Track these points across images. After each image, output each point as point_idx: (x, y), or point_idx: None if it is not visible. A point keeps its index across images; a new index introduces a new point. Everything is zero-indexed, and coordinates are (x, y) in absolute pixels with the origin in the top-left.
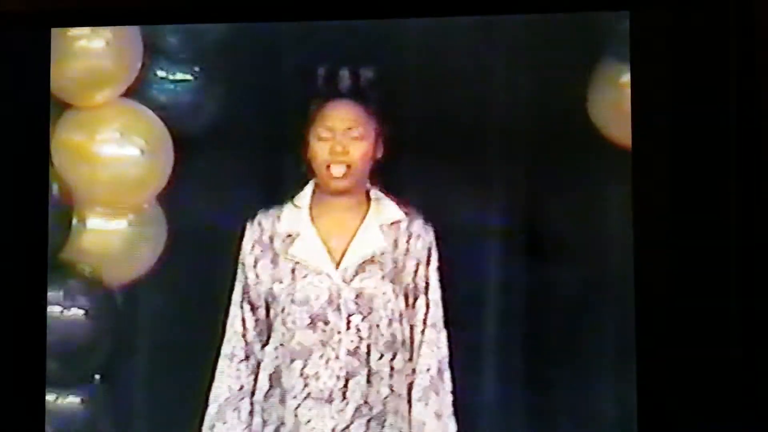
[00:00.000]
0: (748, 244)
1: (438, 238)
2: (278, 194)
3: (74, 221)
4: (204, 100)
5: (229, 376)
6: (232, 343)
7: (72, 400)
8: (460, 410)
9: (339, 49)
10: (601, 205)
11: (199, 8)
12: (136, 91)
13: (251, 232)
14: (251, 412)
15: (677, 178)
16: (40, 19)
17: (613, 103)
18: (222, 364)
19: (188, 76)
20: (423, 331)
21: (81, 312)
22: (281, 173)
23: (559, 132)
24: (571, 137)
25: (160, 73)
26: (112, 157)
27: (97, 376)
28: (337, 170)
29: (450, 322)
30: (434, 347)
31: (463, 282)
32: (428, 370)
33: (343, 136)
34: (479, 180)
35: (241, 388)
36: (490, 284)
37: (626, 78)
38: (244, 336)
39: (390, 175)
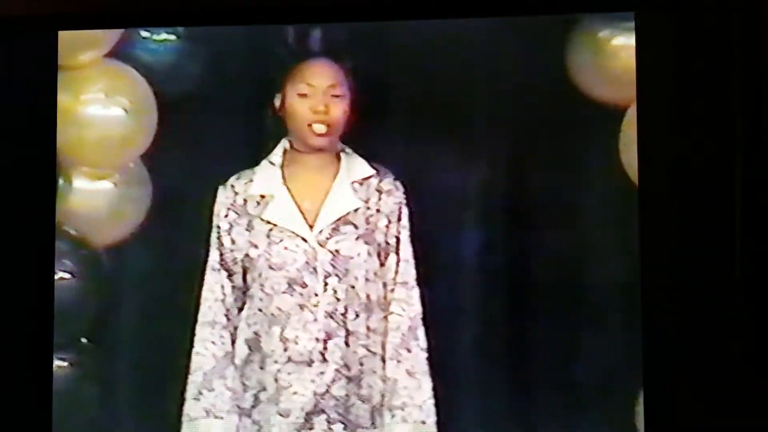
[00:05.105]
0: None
1: (414, 199)
2: (262, 153)
3: (60, 182)
4: (187, 60)
5: (213, 344)
6: (213, 310)
7: (59, 363)
8: (438, 367)
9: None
10: (583, 165)
11: (203, 10)
12: (120, 52)
13: (224, 197)
14: (235, 379)
15: (681, 179)
16: (46, 23)
17: (592, 60)
18: (204, 331)
19: (171, 36)
20: (393, 290)
21: (67, 274)
22: (265, 133)
23: (540, 92)
24: (552, 96)
25: (144, 33)
26: (96, 117)
27: (83, 339)
28: (319, 128)
29: (427, 281)
30: (404, 305)
31: (441, 243)
32: (398, 328)
33: (324, 94)
34: (459, 143)
35: (226, 354)
36: (470, 246)
37: (604, 33)
38: (223, 302)
39: (368, 137)
